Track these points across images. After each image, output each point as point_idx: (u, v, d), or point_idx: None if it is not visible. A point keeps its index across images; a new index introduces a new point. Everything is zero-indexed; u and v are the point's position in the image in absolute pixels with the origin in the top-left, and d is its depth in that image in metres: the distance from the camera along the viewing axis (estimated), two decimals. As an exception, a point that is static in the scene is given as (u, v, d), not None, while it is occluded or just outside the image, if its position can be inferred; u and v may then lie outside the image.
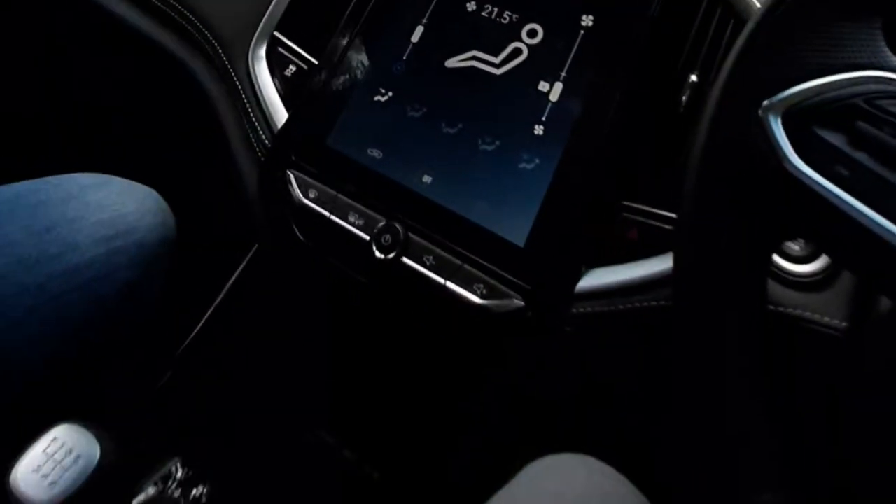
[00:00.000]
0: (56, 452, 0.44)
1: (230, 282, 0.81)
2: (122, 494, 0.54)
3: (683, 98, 0.46)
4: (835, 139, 0.30)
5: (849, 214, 0.28)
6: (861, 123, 0.29)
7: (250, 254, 0.74)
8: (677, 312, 0.35)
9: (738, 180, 0.32)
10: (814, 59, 0.31)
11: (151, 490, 0.68)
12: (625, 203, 0.45)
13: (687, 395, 0.35)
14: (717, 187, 0.33)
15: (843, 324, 0.39)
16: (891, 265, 0.28)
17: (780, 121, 0.31)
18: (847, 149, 0.29)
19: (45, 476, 0.43)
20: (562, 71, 0.48)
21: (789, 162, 0.30)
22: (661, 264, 0.42)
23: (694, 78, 0.47)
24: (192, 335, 0.79)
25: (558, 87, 0.48)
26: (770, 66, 0.32)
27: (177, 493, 0.69)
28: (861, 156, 0.29)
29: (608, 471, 0.41)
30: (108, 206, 0.55)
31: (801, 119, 0.31)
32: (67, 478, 0.43)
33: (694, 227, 0.34)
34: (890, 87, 0.30)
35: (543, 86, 0.48)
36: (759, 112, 0.31)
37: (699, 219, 0.34)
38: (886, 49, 0.31)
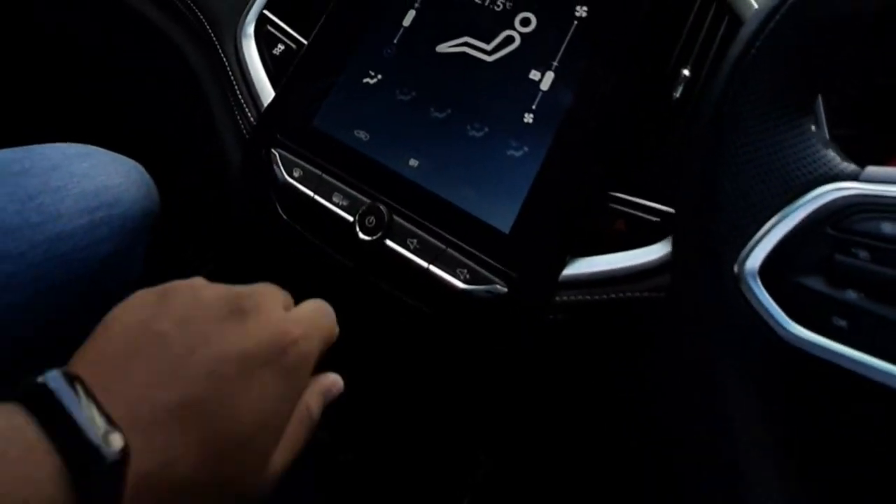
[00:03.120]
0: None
1: (210, 261, 0.79)
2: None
3: (675, 92, 0.46)
4: (819, 285, 0.26)
5: (865, 375, 0.25)
6: (839, 257, 0.26)
7: (232, 233, 0.72)
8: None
9: (731, 363, 0.28)
10: (767, 190, 0.28)
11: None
12: (613, 194, 0.45)
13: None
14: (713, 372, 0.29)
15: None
16: None
17: (759, 280, 0.27)
18: (835, 293, 0.26)
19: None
20: (554, 60, 0.48)
21: (784, 329, 0.26)
22: (648, 255, 0.42)
23: (686, 72, 0.46)
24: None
25: (549, 76, 0.47)
26: (725, 217, 0.29)
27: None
28: (851, 296, 0.26)
29: None
30: (92, 177, 0.53)
31: (780, 271, 0.27)
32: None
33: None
34: (850, 199, 0.27)
35: (535, 74, 0.47)
36: (735, 271, 0.28)
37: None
38: (826, 151, 0.29)
